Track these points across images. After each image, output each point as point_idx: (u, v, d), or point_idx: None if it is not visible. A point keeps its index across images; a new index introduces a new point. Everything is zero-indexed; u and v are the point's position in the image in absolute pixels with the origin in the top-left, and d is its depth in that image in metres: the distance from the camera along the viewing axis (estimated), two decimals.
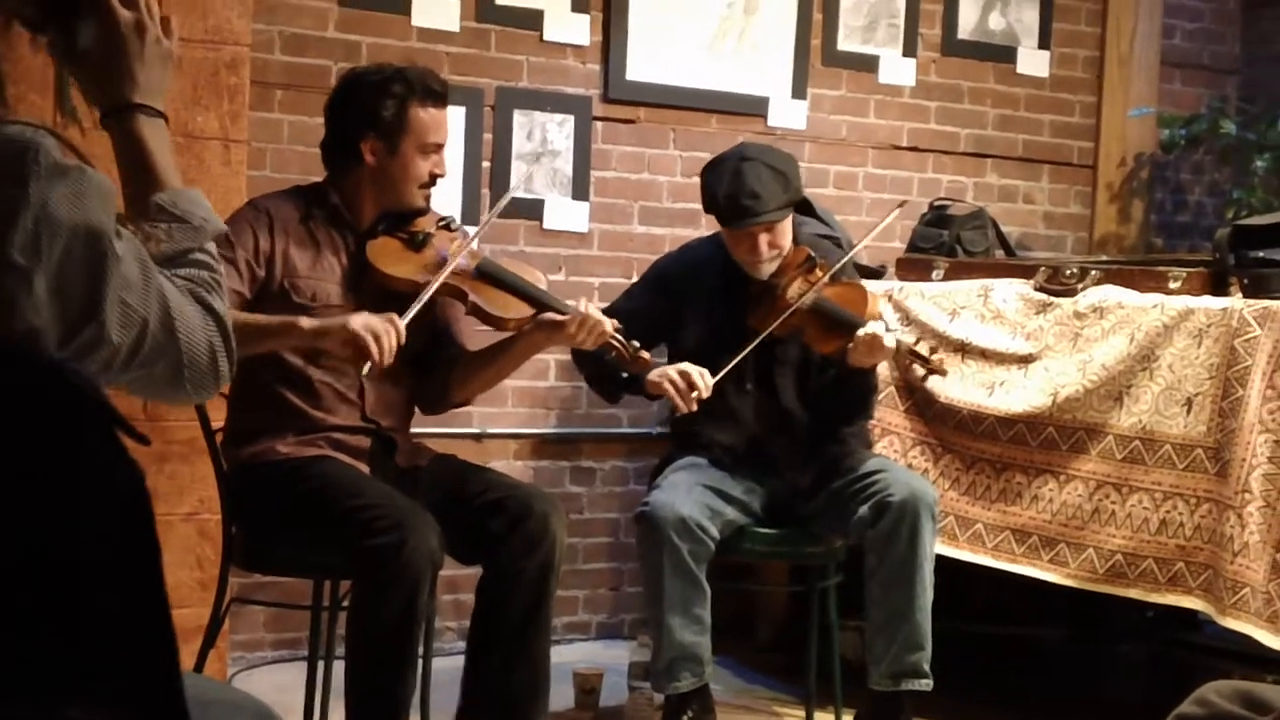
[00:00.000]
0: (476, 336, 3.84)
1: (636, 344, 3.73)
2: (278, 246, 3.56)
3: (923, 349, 3.98)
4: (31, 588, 0.80)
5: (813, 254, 4.13)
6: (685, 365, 4.01)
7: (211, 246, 1.89)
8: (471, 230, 3.79)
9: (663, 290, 4.26)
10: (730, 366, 3.98)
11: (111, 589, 0.86)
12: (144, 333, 1.69)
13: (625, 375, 4.09)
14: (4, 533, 0.80)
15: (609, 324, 3.65)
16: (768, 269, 4.11)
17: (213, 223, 1.91)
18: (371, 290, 3.60)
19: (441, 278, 3.53)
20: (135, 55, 1.91)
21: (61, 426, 0.87)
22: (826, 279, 4.06)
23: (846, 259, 4.24)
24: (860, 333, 3.90)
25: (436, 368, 3.76)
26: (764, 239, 4.05)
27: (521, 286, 3.68)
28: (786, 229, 4.11)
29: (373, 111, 3.58)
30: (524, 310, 3.65)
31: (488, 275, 3.66)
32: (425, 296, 3.49)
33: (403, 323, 3.39)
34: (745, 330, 4.06)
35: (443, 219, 3.73)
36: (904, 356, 4.00)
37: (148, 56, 1.92)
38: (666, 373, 4.00)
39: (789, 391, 4.20)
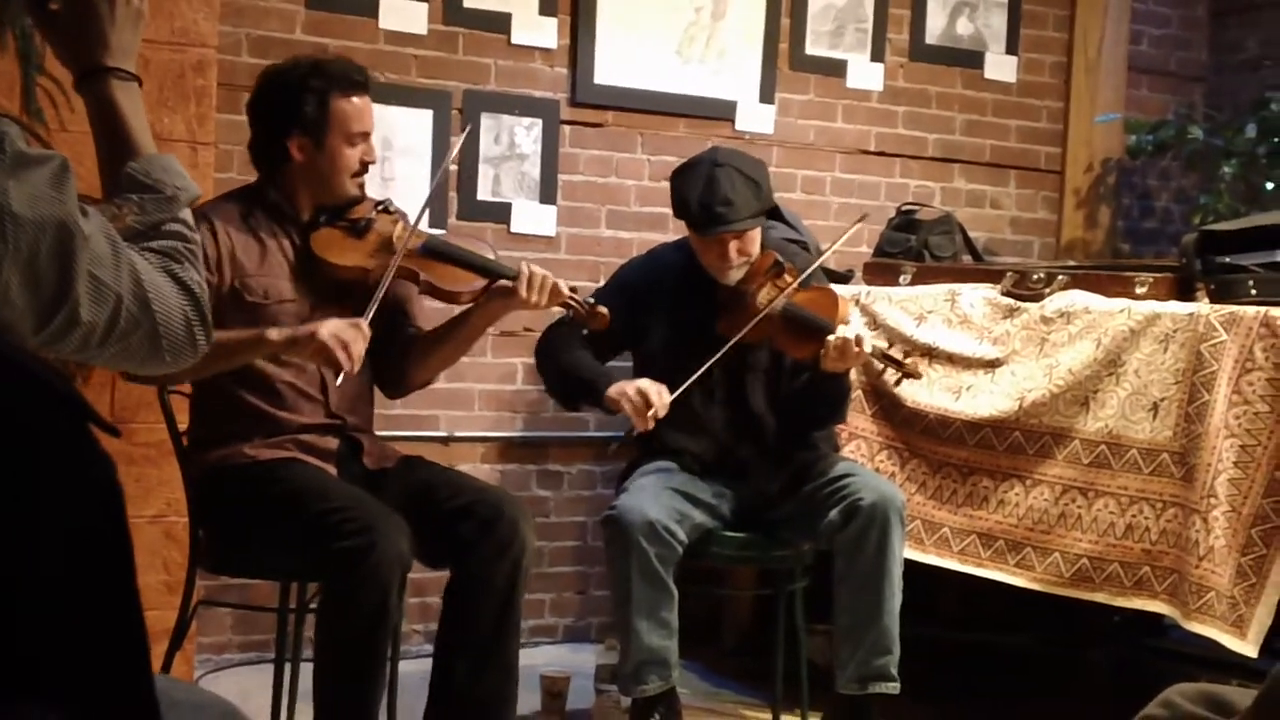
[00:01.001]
0: (431, 316, 3.85)
1: (592, 299, 3.75)
2: (223, 249, 3.55)
3: (896, 353, 3.98)
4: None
5: (780, 259, 4.13)
6: (643, 382, 3.99)
7: (186, 214, 1.88)
8: (409, 211, 3.79)
9: (626, 298, 4.22)
10: (694, 379, 3.95)
11: (82, 585, 0.85)
12: (118, 308, 1.69)
13: (581, 391, 4.11)
14: None
15: (562, 282, 3.66)
16: (735, 275, 4.11)
17: (187, 190, 1.90)
18: (321, 282, 3.62)
19: (395, 262, 3.54)
20: (106, 17, 1.91)
21: (31, 420, 0.87)
22: (796, 285, 4.05)
23: (816, 265, 4.24)
24: (832, 338, 3.89)
25: (394, 351, 3.76)
26: (734, 246, 4.04)
27: (470, 259, 3.70)
28: (756, 236, 4.11)
29: (294, 109, 3.57)
30: (476, 282, 3.68)
31: (435, 252, 3.68)
32: (385, 285, 3.50)
33: (366, 323, 3.40)
34: (713, 337, 4.04)
35: (379, 203, 3.73)
36: (878, 360, 3.99)
37: (119, 18, 1.92)
38: (624, 390, 3.99)
39: (759, 399, 4.20)
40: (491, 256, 3.74)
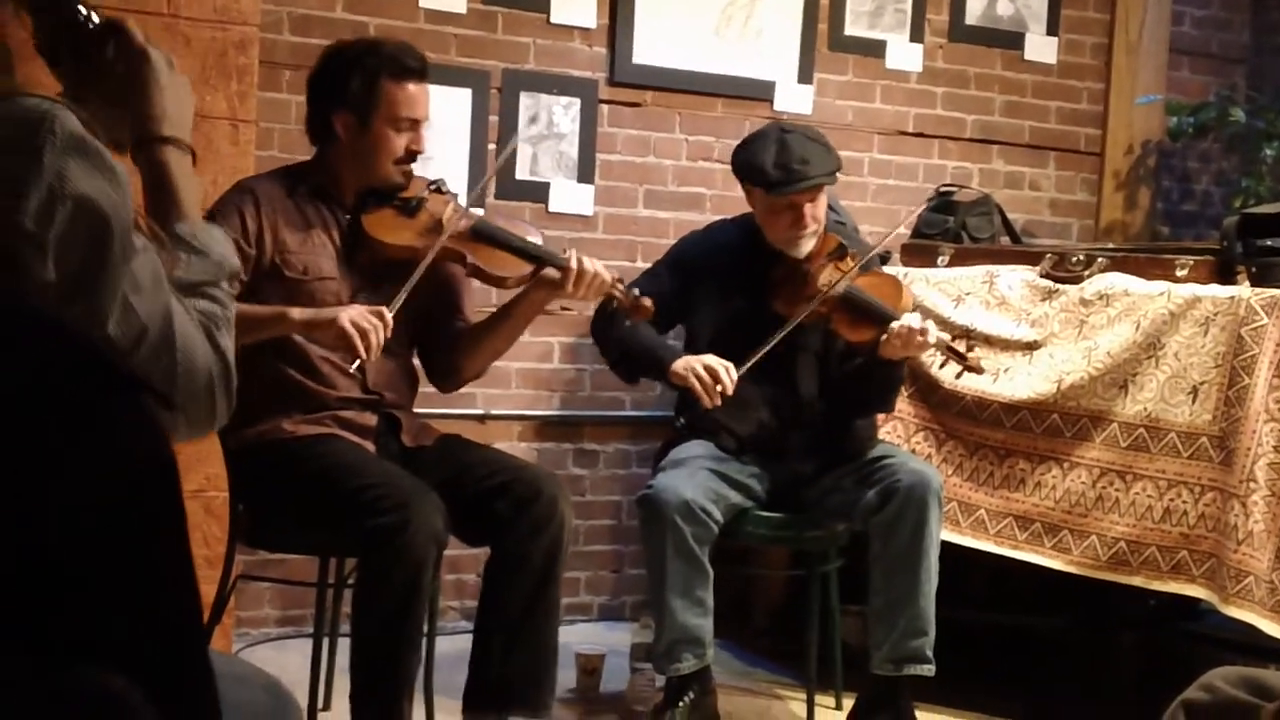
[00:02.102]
0: (478, 311, 3.86)
1: (636, 291, 3.75)
2: (266, 224, 3.55)
3: (960, 346, 3.94)
4: (55, 549, 0.81)
5: (844, 242, 4.13)
6: (710, 359, 3.98)
7: (226, 285, 1.89)
8: (461, 192, 3.78)
9: (681, 271, 4.24)
10: (760, 355, 3.93)
11: (135, 553, 0.86)
12: (141, 338, 1.68)
13: (645, 363, 4.11)
14: (28, 496, 0.81)
15: (607, 274, 3.66)
16: (807, 245, 4.09)
17: (230, 262, 1.91)
18: (368, 261, 3.63)
19: (439, 244, 3.54)
20: (155, 87, 1.92)
21: (86, 391, 0.88)
22: (857, 268, 4.05)
23: (879, 248, 4.23)
24: (896, 324, 3.88)
25: (443, 345, 3.77)
26: (809, 209, 4.04)
27: (518, 244, 3.69)
28: (824, 202, 4.11)
29: (342, 85, 3.57)
30: (523, 268, 3.68)
31: (484, 235, 3.68)
32: (423, 267, 3.51)
33: (390, 313, 3.40)
34: (769, 316, 4.04)
35: (432, 182, 3.72)
36: (940, 353, 3.97)
37: (166, 86, 1.92)
38: (692, 365, 3.98)
39: (809, 382, 4.19)
40: (539, 242, 3.73)
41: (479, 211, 3.74)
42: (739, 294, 4.17)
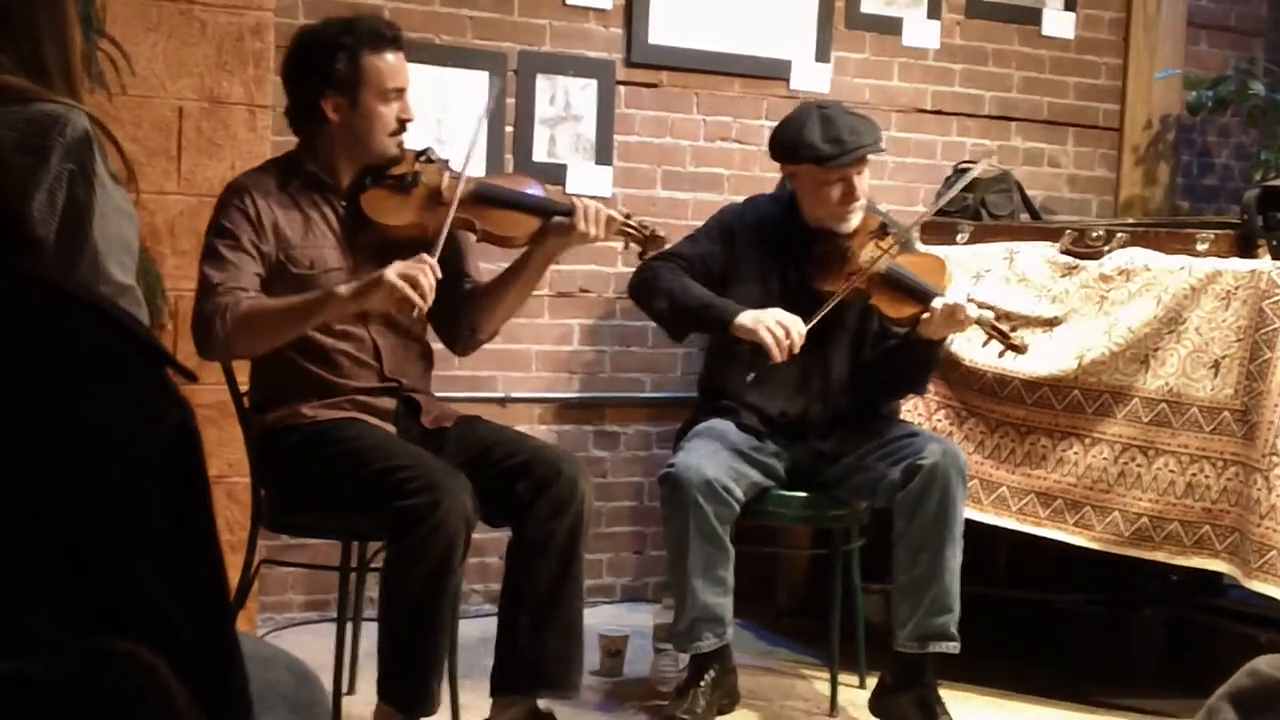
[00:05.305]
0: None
1: (648, 226, 3.73)
2: (266, 220, 3.54)
3: (1005, 325, 3.91)
4: (85, 519, 0.82)
5: (885, 221, 4.13)
6: (779, 313, 3.96)
7: None
8: (450, 157, 3.76)
9: (725, 241, 4.23)
10: (817, 319, 3.93)
11: (163, 524, 0.87)
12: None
13: (702, 316, 4.08)
14: (61, 467, 0.81)
15: (616, 212, 3.66)
16: (855, 219, 4.08)
17: None
18: (372, 245, 3.61)
19: (452, 212, 3.52)
20: None
21: (109, 360, 0.88)
22: (897, 245, 4.04)
23: (916, 223, 4.22)
24: (939, 301, 3.87)
25: (455, 309, 3.73)
26: (858, 181, 4.04)
27: (523, 200, 3.69)
28: (868, 177, 4.11)
29: (326, 68, 3.55)
30: (531, 223, 3.66)
31: (487, 198, 3.66)
32: (446, 231, 3.49)
33: (433, 259, 3.38)
34: (809, 291, 4.03)
35: (420, 153, 3.70)
36: (984, 331, 3.94)
37: None
38: (763, 320, 3.94)
39: (842, 362, 4.17)
40: (541, 194, 3.72)
41: (473, 174, 3.71)
42: (779, 268, 4.16)
